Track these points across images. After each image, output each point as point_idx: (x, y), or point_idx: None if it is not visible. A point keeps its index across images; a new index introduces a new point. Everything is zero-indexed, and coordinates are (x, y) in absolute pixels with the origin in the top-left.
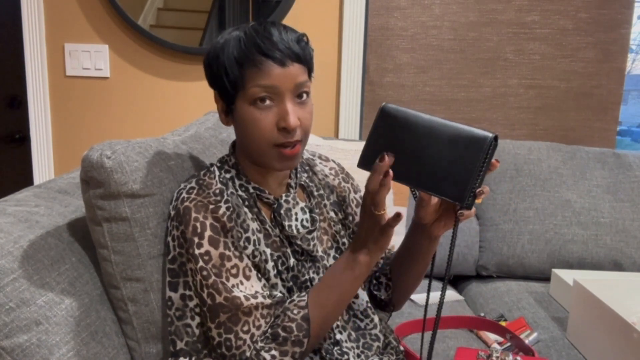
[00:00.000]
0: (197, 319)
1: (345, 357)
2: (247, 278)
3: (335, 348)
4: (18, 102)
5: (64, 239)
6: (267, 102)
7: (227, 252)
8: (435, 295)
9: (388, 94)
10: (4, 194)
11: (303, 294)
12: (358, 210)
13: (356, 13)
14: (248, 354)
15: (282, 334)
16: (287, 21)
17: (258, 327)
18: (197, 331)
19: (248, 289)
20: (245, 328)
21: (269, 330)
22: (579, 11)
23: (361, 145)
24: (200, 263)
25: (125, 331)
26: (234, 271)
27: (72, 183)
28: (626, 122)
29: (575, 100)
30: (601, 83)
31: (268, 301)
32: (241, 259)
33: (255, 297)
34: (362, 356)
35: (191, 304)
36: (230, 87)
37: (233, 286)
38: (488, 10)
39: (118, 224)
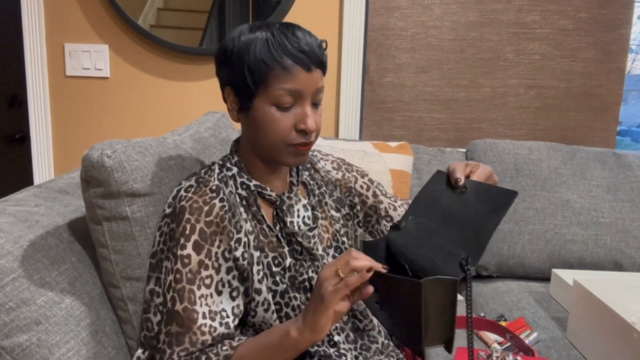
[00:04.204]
0: (159, 317)
1: (343, 359)
2: (219, 293)
3: (333, 350)
4: (18, 102)
5: (64, 239)
6: (289, 104)
7: (206, 261)
8: None
9: (388, 94)
10: (4, 194)
11: (239, 343)
12: (370, 194)
13: (356, 13)
14: (166, 357)
15: None
16: (286, 21)
17: (193, 344)
18: (156, 328)
19: (215, 304)
20: (184, 346)
21: (197, 352)
22: (579, 11)
23: (361, 145)
24: (178, 265)
25: (125, 330)
26: (207, 281)
27: (72, 183)
28: (626, 122)
29: (575, 100)
30: (601, 83)
31: (221, 330)
32: (218, 272)
33: (213, 318)
34: (360, 358)
35: (157, 301)
36: (252, 86)
37: (200, 297)
38: (488, 10)
39: (118, 223)
